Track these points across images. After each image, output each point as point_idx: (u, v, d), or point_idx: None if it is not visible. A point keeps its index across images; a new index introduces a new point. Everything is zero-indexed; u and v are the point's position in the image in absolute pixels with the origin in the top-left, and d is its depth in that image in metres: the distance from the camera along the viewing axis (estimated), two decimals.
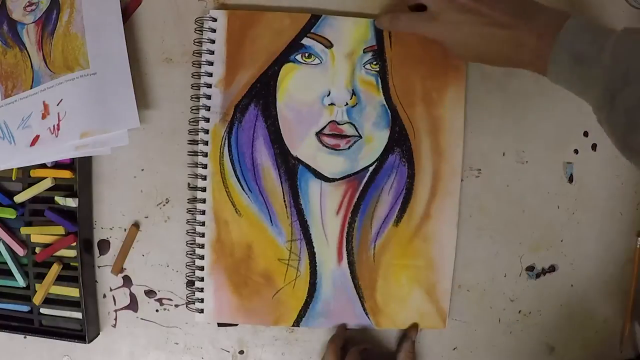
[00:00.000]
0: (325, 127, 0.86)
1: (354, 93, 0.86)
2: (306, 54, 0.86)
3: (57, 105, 0.83)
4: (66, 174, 0.86)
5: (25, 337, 0.93)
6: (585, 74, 0.67)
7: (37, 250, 0.89)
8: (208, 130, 0.86)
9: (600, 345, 0.97)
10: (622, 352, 0.97)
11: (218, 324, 0.90)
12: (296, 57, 0.86)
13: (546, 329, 0.95)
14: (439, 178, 0.88)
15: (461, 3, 0.75)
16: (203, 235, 0.88)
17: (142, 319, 0.92)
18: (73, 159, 0.86)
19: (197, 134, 0.87)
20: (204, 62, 0.86)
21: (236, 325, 0.91)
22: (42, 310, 0.91)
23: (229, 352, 0.92)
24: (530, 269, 0.93)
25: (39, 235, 0.88)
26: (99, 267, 0.91)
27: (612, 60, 0.64)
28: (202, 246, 0.88)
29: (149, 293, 0.91)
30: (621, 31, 0.66)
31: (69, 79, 0.83)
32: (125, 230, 0.90)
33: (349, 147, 0.87)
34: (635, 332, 0.97)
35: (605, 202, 0.94)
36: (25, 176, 0.88)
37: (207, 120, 0.86)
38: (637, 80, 0.62)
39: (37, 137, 0.83)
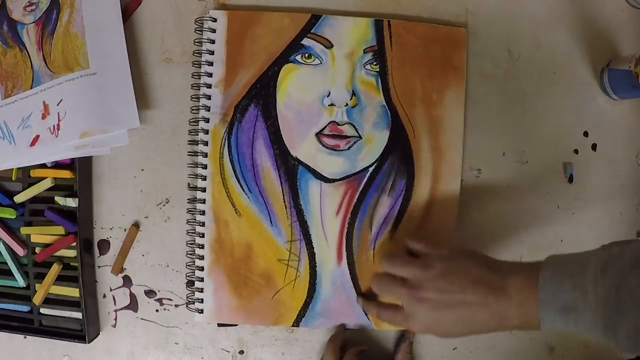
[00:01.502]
0: (325, 127, 0.86)
1: (354, 93, 0.86)
2: (306, 54, 0.86)
3: (57, 105, 0.83)
4: (66, 174, 0.86)
5: (25, 337, 0.93)
6: (579, 321, 0.65)
7: (37, 250, 0.89)
8: (208, 131, 0.86)
9: (600, 345, 0.97)
10: (622, 352, 0.97)
11: (218, 324, 0.90)
12: (296, 58, 0.86)
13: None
14: (439, 178, 0.88)
15: (425, 297, 0.74)
16: (203, 235, 0.88)
17: (142, 319, 0.92)
18: (73, 159, 0.86)
19: (197, 134, 0.87)
20: (204, 62, 0.86)
21: (236, 325, 0.91)
22: (42, 310, 0.91)
23: (228, 352, 0.92)
24: None
25: (39, 235, 0.89)
26: (99, 267, 0.91)
27: (600, 301, 0.63)
28: (202, 246, 0.88)
29: (149, 293, 0.91)
30: (595, 263, 0.65)
31: (69, 79, 0.83)
32: (125, 230, 0.90)
33: (348, 148, 0.87)
34: None
35: (605, 202, 0.94)
36: (25, 176, 0.88)
37: (207, 120, 0.86)
38: (629, 309, 0.61)
39: (37, 137, 0.83)
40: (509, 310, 0.69)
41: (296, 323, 0.90)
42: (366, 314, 0.90)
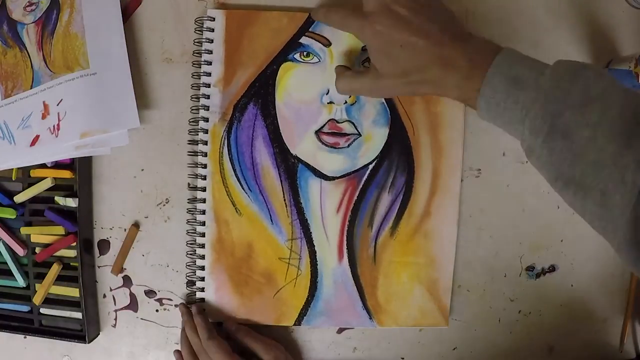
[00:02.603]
0: (324, 125, 0.86)
1: None
2: (304, 53, 0.86)
3: (57, 105, 0.83)
4: (66, 174, 0.86)
5: (25, 337, 0.93)
6: (521, 98, 0.63)
7: (37, 250, 0.89)
8: (207, 130, 0.86)
9: (600, 345, 0.97)
10: (622, 352, 0.97)
11: (219, 323, 0.90)
12: (294, 56, 0.86)
13: (546, 329, 0.95)
14: (439, 175, 0.88)
15: (394, 9, 0.71)
16: (203, 235, 0.88)
17: (142, 319, 0.92)
18: (73, 159, 0.86)
19: (197, 134, 0.87)
20: (203, 62, 0.86)
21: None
22: (42, 310, 0.91)
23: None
24: (530, 269, 0.93)
25: (39, 235, 0.89)
26: (99, 267, 0.91)
27: (552, 84, 0.61)
28: (202, 246, 0.88)
29: (149, 293, 0.91)
30: (558, 61, 0.64)
31: (69, 79, 0.83)
32: (125, 230, 0.90)
33: (348, 145, 0.87)
34: (636, 332, 0.97)
35: None
36: (25, 176, 0.88)
37: (206, 120, 0.86)
38: (577, 104, 0.59)
39: (37, 137, 0.83)
40: (459, 59, 0.67)
41: (298, 322, 0.90)
42: (368, 314, 0.90)
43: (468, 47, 0.68)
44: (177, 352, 0.90)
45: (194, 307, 0.88)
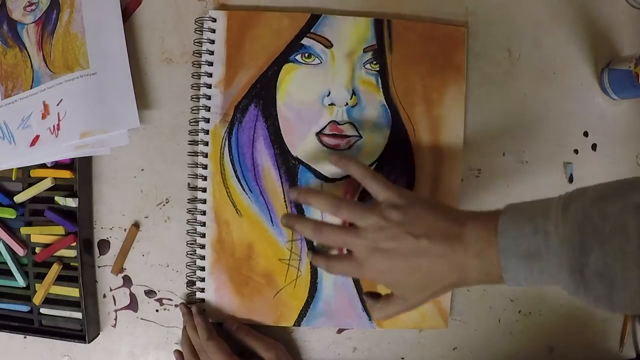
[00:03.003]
0: (325, 127, 0.86)
1: (354, 93, 0.86)
2: (306, 54, 0.86)
3: (57, 105, 0.83)
4: (66, 174, 0.86)
5: (25, 337, 0.93)
6: (544, 267, 0.61)
7: (37, 250, 0.89)
8: (208, 131, 0.86)
9: (600, 345, 0.97)
10: (622, 352, 0.97)
11: (219, 323, 0.90)
12: (296, 57, 0.86)
13: (546, 329, 0.95)
14: (439, 177, 0.88)
15: (382, 248, 0.70)
16: (204, 235, 0.88)
17: (142, 319, 0.92)
18: (73, 159, 0.86)
19: (197, 134, 0.87)
20: (204, 63, 0.86)
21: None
22: (42, 310, 0.91)
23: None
24: None
25: (39, 235, 0.88)
26: (99, 267, 0.91)
27: (563, 243, 0.59)
28: (202, 246, 0.88)
29: (149, 293, 0.91)
30: (556, 205, 0.62)
31: (69, 79, 0.83)
32: (125, 230, 0.90)
33: (349, 147, 0.87)
34: (636, 332, 0.97)
35: None
36: (25, 176, 0.88)
37: (207, 120, 0.86)
38: (594, 246, 0.57)
39: (37, 137, 0.83)
40: (467, 260, 0.66)
41: (297, 323, 0.90)
42: (368, 315, 0.90)
43: (468, 243, 0.66)
44: (178, 351, 0.90)
45: (194, 307, 0.88)
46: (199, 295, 0.89)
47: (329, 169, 0.87)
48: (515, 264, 0.62)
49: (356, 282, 0.89)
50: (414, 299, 0.73)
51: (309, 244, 0.88)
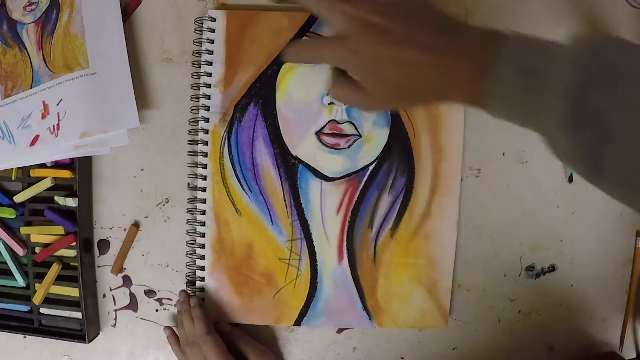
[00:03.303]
0: (325, 126, 0.86)
1: None
2: None
3: (57, 105, 0.83)
4: (66, 174, 0.86)
5: (25, 337, 0.93)
6: (537, 89, 0.54)
7: (37, 250, 0.89)
8: (208, 131, 0.86)
9: (600, 345, 0.97)
10: (622, 352, 0.97)
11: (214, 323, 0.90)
12: None
13: (546, 329, 0.95)
14: (439, 177, 0.88)
15: (371, 22, 0.60)
16: (204, 235, 0.88)
17: (142, 319, 0.92)
18: (73, 159, 0.86)
19: (197, 134, 0.87)
20: (204, 62, 0.86)
21: (237, 325, 0.90)
22: (42, 310, 0.91)
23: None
24: (530, 269, 0.93)
25: (39, 235, 0.89)
26: (99, 267, 0.91)
27: (570, 67, 0.52)
28: (202, 246, 0.88)
29: (149, 293, 0.91)
30: (568, 40, 0.55)
31: (69, 79, 0.83)
32: (125, 230, 0.90)
33: (349, 147, 0.87)
34: (636, 332, 0.97)
35: (605, 202, 0.94)
36: (25, 176, 0.88)
37: (207, 120, 0.86)
38: (602, 85, 0.50)
39: (37, 137, 0.83)
40: (458, 61, 0.58)
41: (298, 322, 0.90)
42: (368, 315, 0.90)
43: (465, 44, 0.59)
44: (169, 328, 0.91)
45: (194, 299, 0.88)
46: (199, 295, 0.89)
47: (329, 168, 0.87)
48: (507, 75, 0.55)
49: (356, 282, 0.89)
50: (378, 95, 0.64)
51: (310, 245, 0.88)
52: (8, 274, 0.90)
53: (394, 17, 0.60)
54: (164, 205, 0.90)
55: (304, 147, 0.87)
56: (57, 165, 0.87)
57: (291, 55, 0.69)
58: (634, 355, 0.98)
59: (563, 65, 0.53)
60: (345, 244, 0.88)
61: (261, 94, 0.86)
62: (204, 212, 0.87)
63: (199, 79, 0.86)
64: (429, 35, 0.59)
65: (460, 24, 0.62)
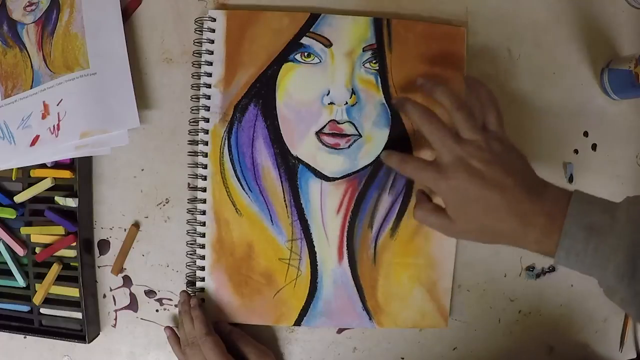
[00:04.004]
0: (325, 126, 0.86)
1: (353, 92, 0.86)
2: (305, 53, 0.86)
3: (57, 105, 0.83)
4: (66, 174, 0.86)
5: (25, 337, 0.93)
6: (600, 245, 0.63)
7: (37, 250, 0.89)
8: (208, 131, 0.86)
9: (600, 345, 0.97)
10: (622, 352, 0.97)
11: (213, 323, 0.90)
12: (295, 57, 0.86)
13: (546, 329, 0.95)
14: None
15: (469, 163, 0.70)
16: (203, 235, 0.88)
17: (142, 319, 0.92)
18: (73, 159, 0.86)
19: (197, 134, 0.87)
20: (204, 62, 0.86)
21: (237, 325, 0.90)
22: (42, 310, 0.91)
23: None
24: (530, 269, 0.94)
25: (39, 235, 0.88)
26: (99, 267, 0.91)
27: (630, 228, 0.62)
28: (202, 246, 0.88)
29: (149, 293, 0.91)
30: (626, 199, 0.67)
31: (69, 79, 0.83)
32: (125, 230, 0.90)
33: (349, 146, 0.87)
34: (636, 332, 0.97)
35: None
36: (25, 176, 0.88)
37: (206, 120, 0.86)
38: None
39: (37, 137, 0.83)
40: (538, 216, 0.67)
41: (297, 322, 0.90)
42: (368, 315, 0.90)
43: (544, 201, 0.68)
44: (169, 328, 0.91)
45: (194, 299, 0.88)
46: (199, 295, 0.89)
47: (329, 168, 0.87)
48: (576, 233, 0.64)
49: (356, 282, 0.89)
50: (462, 227, 0.74)
51: (310, 245, 0.88)
52: (8, 274, 0.90)
53: (491, 165, 0.70)
54: (164, 205, 0.90)
55: (304, 147, 0.87)
56: (57, 165, 0.87)
57: (393, 162, 0.80)
58: (634, 355, 0.98)
59: (621, 225, 0.62)
60: (345, 243, 0.88)
61: (261, 94, 0.86)
62: (203, 212, 0.87)
63: (199, 79, 0.86)
64: (516, 186, 0.69)
65: (544, 183, 0.71)
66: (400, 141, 0.87)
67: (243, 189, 0.87)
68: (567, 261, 0.66)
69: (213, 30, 0.85)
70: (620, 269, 0.62)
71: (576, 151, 0.93)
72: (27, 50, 0.86)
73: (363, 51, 0.86)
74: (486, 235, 0.72)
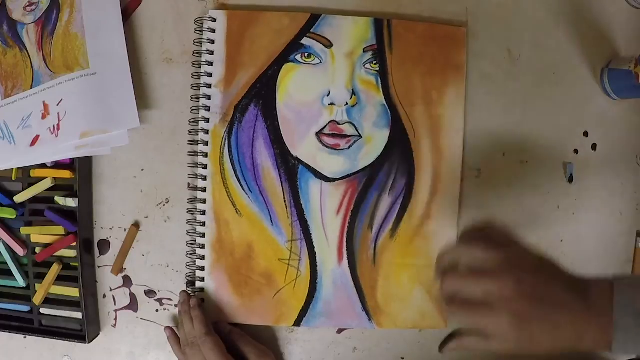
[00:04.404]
0: (325, 127, 0.86)
1: (353, 93, 0.86)
2: (306, 54, 0.86)
3: (57, 105, 0.83)
4: (66, 174, 0.86)
5: (25, 337, 0.93)
6: None
7: (37, 250, 0.89)
8: (208, 131, 0.86)
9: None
10: None
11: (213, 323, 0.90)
12: (296, 57, 0.86)
13: None
14: (439, 177, 0.88)
15: (509, 319, 0.64)
16: (203, 235, 0.88)
17: (142, 319, 0.92)
18: (73, 159, 0.86)
19: (197, 134, 0.87)
20: (204, 62, 0.86)
21: (236, 325, 0.90)
22: (42, 310, 0.91)
23: None
24: None
25: (39, 235, 0.88)
26: (99, 267, 0.91)
27: None
28: (202, 246, 0.88)
29: (149, 293, 0.91)
30: None
31: (69, 79, 0.83)
32: (125, 230, 0.90)
33: (349, 147, 0.87)
34: None
35: (605, 202, 0.94)
36: (25, 176, 0.88)
37: (207, 120, 0.86)
38: None
39: (37, 137, 0.83)
40: (589, 322, 0.64)
41: (297, 323, 0.90)
42: (368, 315, 0.90)
43: (591, 299, 0.65)
44: (169, 328, 0.91)
45: (193, 299, 0.88)
46: (198, 295, 0.89)
47: (329, 169, 0.87)
48: (628, 320, 0.62)
49: (356, 282, 0.89)
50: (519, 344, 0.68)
51: (310, 245, 0.88)
52: (8, 274, 0.90)
53: (526, 306, 0.65)
54: (164, 205, 0.90)
55: (304, 147, 0.87)
56: (57, 165, 0.87)
57: (452, 347, 0.73)
58: (634, 356, 0.98)
59: None
60: (344, 244, 0.88)
61: (261, 94, 0.86)
62: (203, 212, 0.87)
63: (199, 79, 0.86)
64: (570, 300, 0.65)
65: (584, 281, 0.67)
66: (400, 142, 0.87)
67: (243, 189, 0.87)
68: (623, 351, 0.64)
69: (213, 31, 0.85)
70: None
71: (576, 151, 0.93)
72: (27, 50, 0.86)
73: (363, 52, 0.86)
74: (545, 350, 0.67)
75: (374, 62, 0.87)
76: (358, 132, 0.87)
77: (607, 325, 0.63)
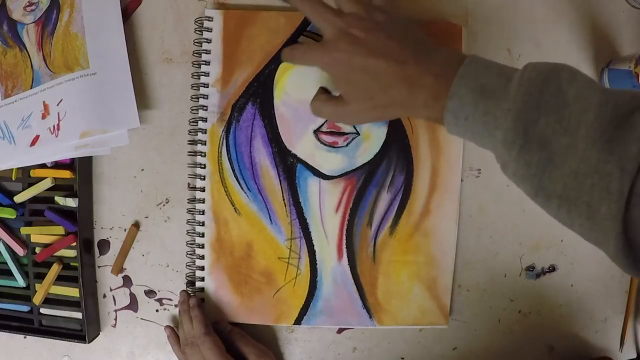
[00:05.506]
0: (323, 124, 0.86)
1: None
2: None
3: (57, 105, 0.83)
4: (66, 174, 0.86)
5: (25, 337, 0.93)
6: (491, 108, 0.59)
7: (37, 250, 0.89)
8: (206, 130, 0.86)
9: (600, 345, 0.97)
10: (622, 352, 0.97)
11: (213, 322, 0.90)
12: None
13: (546, 329, 0.95)
14: (438, 173, 0.88)
15: (352, 34, 0.68)
16: (203, 235, 0.88)
17: (142, 319, 0.92)
18: (73, 159, 0.86)
19: (197, 134, 0.87)
20: (203, 62, 0.86)
21: (237, 324, 0.90)
22: (42, 310, 0.91)
23: None
24: (530, 269, 0.93)
25: (39, 235, 0.89)
26: (99, 267, 0.91)
27: (523, 90, 0.57)
28: (202, 246, 0.88)
29: (149, 293, 0.91)
30: (527, 64, 0.60)
31: (69, 79, 0.83)
32: (125, 230, 0.90)
33: (347, 144, 0.87)
34: (636, 332, 0.97)
35: None
36: (25, 176, 0.88)
37: (204, 119, 0.86)
38: (550, 109, 0.55)
39: (37, 137, 0.83)
40: (424, 76, 0.64)
41: (297, 321, 0.90)
42: (368, 313, 0.90)
43: (432, 62, 0.65)
44: (169, 327, 0.91)
45: (193, 299, 0.88)
46: (198, 295, 0.89)
47: (327, 166, 0.87)
48: (464, 94, 0.61)
49: (356, 280, 0.89)
50: (352, 105, 0.72)
51: (309, 243, 0.88)
52: (8, 274, 0.90)
53: (373, 32, 0.68)
54: (164, 205, 0.90)
55: (302, 145, 0.87)
56: (57, 165, 0.87)
57: (285, 56, 0.79)
58: (634, 355, 0.98)
59: (515, 88, 0.57)
60: (344, 242, 0.88)
61: (259, 93, 0.86)
62: (203, 212, 0.87)
63: (199, 78, 0.86)
64: (400, 49, 0.67)
65: (436, 47, 0.69)
66: (399, 140, 0.87)
67: (242, 188, 0.87)
68: (457, 127, 0.63)
69: (210, 30, 0.86)
70: (508, 136, 0.57)
71: None
72: (27, 50, 0.86)
73: None
74: (379, 109, 0.70)
75: None
76: (356, 130, 0.87)
77: (443, 92, 0.62)
